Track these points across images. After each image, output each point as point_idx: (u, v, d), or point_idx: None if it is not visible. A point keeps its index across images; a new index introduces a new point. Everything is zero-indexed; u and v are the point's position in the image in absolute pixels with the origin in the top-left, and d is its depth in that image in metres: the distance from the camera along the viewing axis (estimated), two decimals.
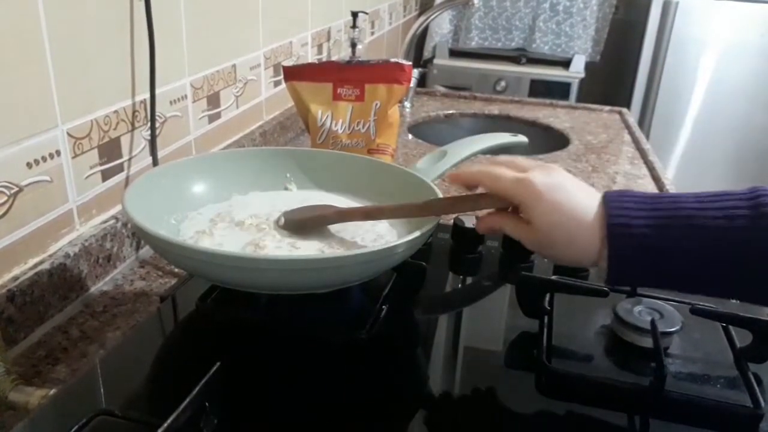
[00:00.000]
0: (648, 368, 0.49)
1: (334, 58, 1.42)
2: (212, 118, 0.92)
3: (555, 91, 2.13)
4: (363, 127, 0.79)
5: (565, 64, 2.24)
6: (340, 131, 0.79)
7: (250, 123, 1.06)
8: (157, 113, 0.76)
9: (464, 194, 0.53)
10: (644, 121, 2.25)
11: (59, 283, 0.61)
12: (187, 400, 0.40)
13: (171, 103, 0.81)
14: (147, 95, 0.74)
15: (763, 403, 0.46)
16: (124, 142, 0.72)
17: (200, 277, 0.56)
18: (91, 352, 0.58)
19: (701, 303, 0.54)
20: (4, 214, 0.56)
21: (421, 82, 2.00)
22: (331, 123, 0.79)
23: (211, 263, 0.47)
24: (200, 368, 0.43)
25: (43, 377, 0.54)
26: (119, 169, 0.72)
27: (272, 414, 0.45)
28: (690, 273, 0.43)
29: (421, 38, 2.31)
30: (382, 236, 0.59)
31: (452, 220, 0.69)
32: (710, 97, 2.19)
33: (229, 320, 0.56)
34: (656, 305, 0.54)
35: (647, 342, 0.51)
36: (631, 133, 1.40)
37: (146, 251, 0.75)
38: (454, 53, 2.36)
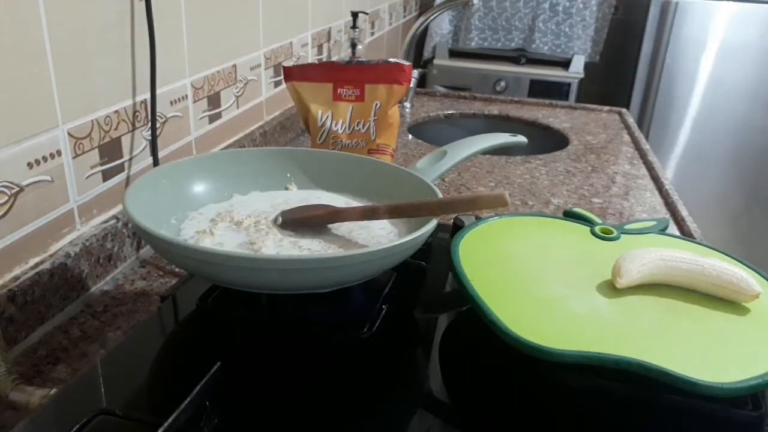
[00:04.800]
0: None
1: (334, 59, 1.43)
2: (213, 119, 0.93)
3: (554, 91, 2.14)
4: (363, 128, 0.79)
5: (565, 64, 2.25)
6: (340, 131, 0.79)
7: (250, 123, 1.07)
8: (157, 113, 0.77)
9: (463, 194, 0.53)
10: (643, 121, 2.26)
11: (60, 283, 0.61)
12: (188, 399, 0.40)
13: (171, 103, 0.81)
14: (147, 95, 0.75)
15: (765, 407, 0.46)
16: (125, 142, 0.72)
17: (201, 276, 0.56)
18: (91, 351, 0.58)
19: None
20: (5, 213, 0.56)
21: (421, 82, 2.01)
22: (331, 123, 0.79)
23: (212, 263, 0.47)
24: (201, 368, 0.43)
25: (43, 377, 0.54)
26: (120, 169, 0.72)
27: (272, 413, 0.45)
28: None
29: (421, 38, 2.31)
30: (382, 236, 0.60)
31: (452, 220, 0.69)
32: (709, 98, 2.19)
33: (229, 320, 0.56)
34: None
35: None
36: (631, 134, 1.41)
37: (147, 251, 0.75)
38: (454, 53, 2.36)
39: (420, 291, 0.64)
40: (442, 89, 1.76)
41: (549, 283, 0.54)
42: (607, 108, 1.61)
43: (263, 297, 0.55)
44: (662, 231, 0.66)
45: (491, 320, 0.48)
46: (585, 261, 0.58)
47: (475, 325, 0.51)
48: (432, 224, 0.53)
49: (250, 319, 0.56)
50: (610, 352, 0.45)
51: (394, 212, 0.57)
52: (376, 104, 0.78)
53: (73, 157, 0.64)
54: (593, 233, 0.63)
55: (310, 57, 1.31)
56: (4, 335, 0.53)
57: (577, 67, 2.22)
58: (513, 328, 0.47)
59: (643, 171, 1.17)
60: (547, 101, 1.64)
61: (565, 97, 2.14)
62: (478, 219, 0.65)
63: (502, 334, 0.47)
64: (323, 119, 0.79)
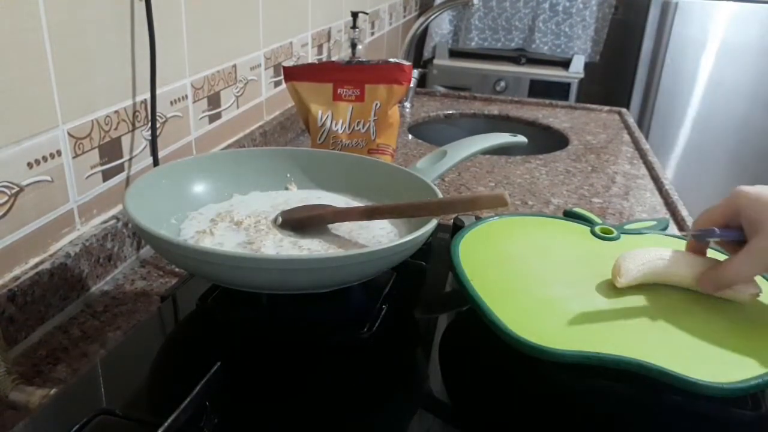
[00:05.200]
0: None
1: (334, 59, 1.43)
2: (213, 119, 0.93)
3: (554, 91, 2.14)
4: (363, 127, 0.79)
5: (565, 64, 2.25)
6: (340, 131, 0.79)
7: (250, 123, 1.07)
8: (157, 113, 0.77)
9: (463, 194, 0.53)
10: (643, 121, 2.26)
11: (60, 283, 0.61)
12: (188, 399, 0.40)
13: (171, 103, 0.81)
14: (147, 95, 0.75)
15: (765, 407, 0.46)
16: (125, 142, 0.72)
17: (201, 276, 0.56)
18: (91, 351, 0.58)
19: None
20: (5, 213, 0.56)
21: (421, 82, 2.01)
22: (331, 123, 0.79)
23: (212, 263, 0.47)
24: (201, 368, 0.43)
25: (43, 377, 0.54)
26: (120, 169, 0.72)
27: (272, 414, 0.45)
28: None
29: (421, 38, 2.31)
30: (381, 236, 0.60)
31: (452, 220, 0.69)
32: (709, 98, 2.20)
33: (229, 320, 0.56)
34: None
35: None
36: (631, 134, 1.41)
37: (147, 251, 0.75)
38: (454, 53, 2.36)
39: (420, 291, 0.64)
40: (442, 89, 1.76)
41: (549, 283, 0.54)
42: (607, 108, 1.61)
43: (263, 297, 0.55)
44: (662, 231, 0.66)
45: (491, 320, 0.48)
46: (585, 261, 0.58)
47: (475, 325, 0.51)
48: (432, 224, 0.53)
49: (250, 319, 0.56)
50: (610, 352, 0.45)
51: (394, 212, 0.57)
52: (376, 104, 0.78)
53: (73, 157, 0.64)
54: (593, 233, 0.63)
55: (310, 57, 1.31)
56: (4, 335, 0.53)
57: (577, 67, 2.22)
58: (513, 328, 0.47)
59: (643, 171, 1.17)
60: (547, 101, 1.64)
61: (565, 97, 2.14)
62: (478, 219, 0.65)
63: (502, 334, 0.47)
64: (323, 119, 0.79)
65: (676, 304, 0.52)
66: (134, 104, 0.73)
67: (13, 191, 0.57)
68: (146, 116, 0.75)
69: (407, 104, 1.54)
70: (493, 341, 0.48)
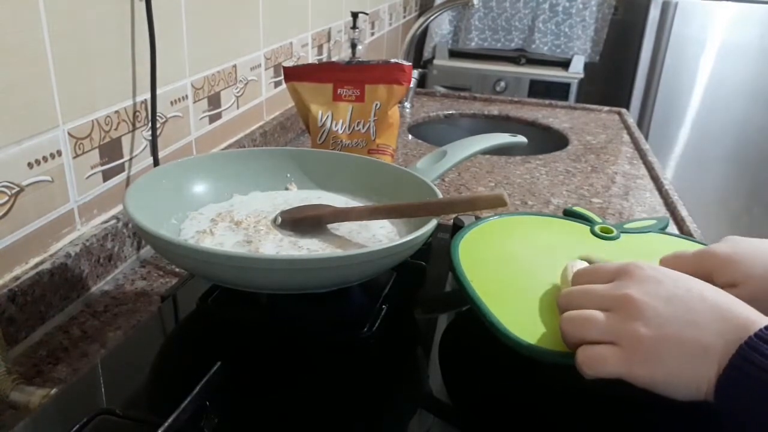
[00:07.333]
0: None
1: (334, 59, 1.43)
2: (213, 119, 0.93)
3: (554, 91, 2.14)
4: (363, 128, 0.79)
5: (565, 64, 2.25)
6: (340, 131, 0.79)
7: (250, 123, 1.07)
8: (157, 113, 0.77)
9: (462, 195, 0.53)
10: (643, 121, 2.26)
11: (60, 283, 0.61)
12: (188, 399, 0.40)
13: (172, 103, 0.81)
14: (148, 95, 0.75)
15: None
16: (125, 142, 0.72)
17: (201, 276, 0.56)
18: (92, 351, 0.58)
19: None
20: (6, 213, 0.56)
21: (421, 82, 2.00)
22: (331, 123, 0.79)
23: (212, 263, 0.48)
24: (201, 368, 0.43)
25: (44, 377, 0.54)
26: (120, 169, 0.72)
27: (273, 413, 0.46)
28: None
29: (420, 39, 2.31)
30: (382, 236, 0.60)
31: (452, 220, 0.69)
32: (709, 98, 2.20)
33: (229, 320, 0.56)
34: None
35: None
36: (630, 134, 1.41)
37: (147, 251, 0.75)
38: (454, 54, 2.36)
39: (420, 291, 0.64)
40: (442, 89, 1.76)
41: (549, 283, 0.54)
42: (606, 108, 1.61)
43: (263, 297, 0.55)
44: (662, 230, 0.66)
45: (491, 322, 0.48)
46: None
47: (475, 325, 0.51)
48: (432, 224, 0.53)
49: (250, 319, 0.56)
50: None
51: (394, 212, 0.57)
52: (376, 104, 0.78)
53: (74, 157, 0.64)
54: (593, 232, 0.63)
55: (310, 57, 1.31)
56: (4, 335, 0.53)
57: (577, 67, 2.22)
58: (512, 330, 0.47)
59: (643, 171, 1.17)
60: (547, 101, 1.64)
61: (565, 97, 2.14)
62: (478, 219, 0.65)
63: (502, 335, 0.47)
64: (323, 119, 0.79)
65: None
66: (134, 104, 0.73)
67: (14, 191, 0.57)
68: (146, 116, 0.75)
69: (407, 104, 1.54)
70: (493, 341, 0.48)
